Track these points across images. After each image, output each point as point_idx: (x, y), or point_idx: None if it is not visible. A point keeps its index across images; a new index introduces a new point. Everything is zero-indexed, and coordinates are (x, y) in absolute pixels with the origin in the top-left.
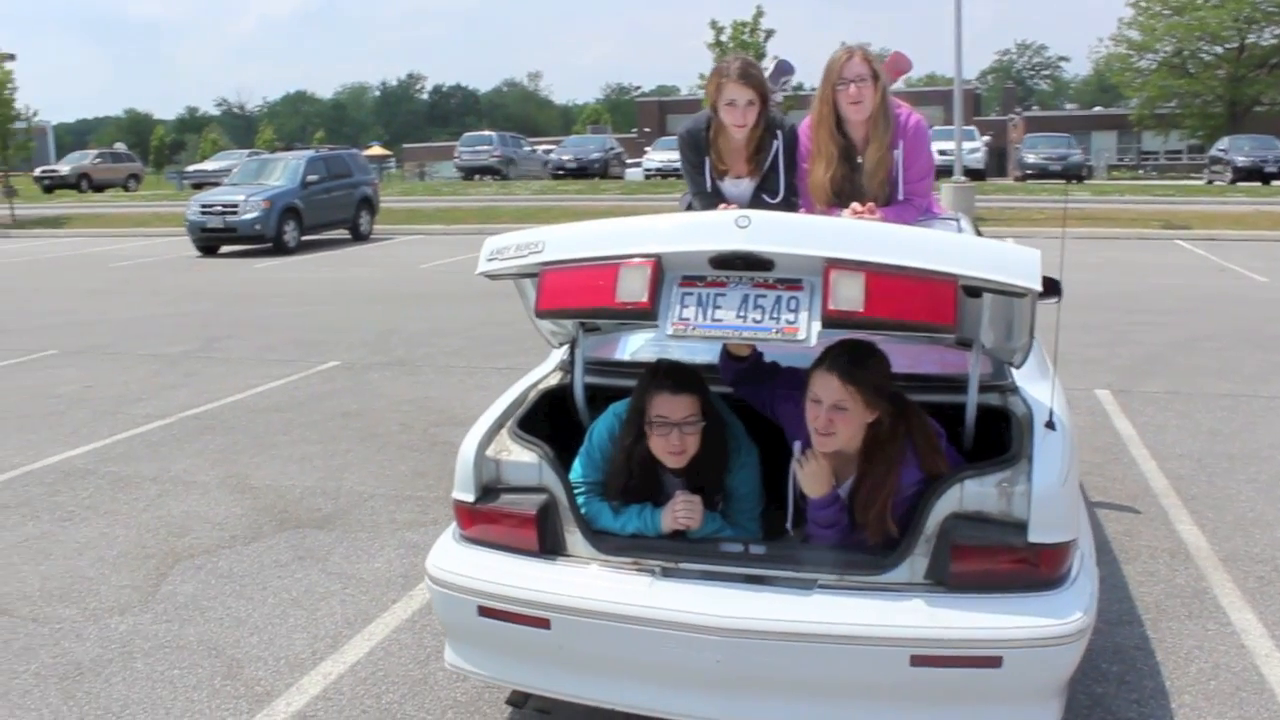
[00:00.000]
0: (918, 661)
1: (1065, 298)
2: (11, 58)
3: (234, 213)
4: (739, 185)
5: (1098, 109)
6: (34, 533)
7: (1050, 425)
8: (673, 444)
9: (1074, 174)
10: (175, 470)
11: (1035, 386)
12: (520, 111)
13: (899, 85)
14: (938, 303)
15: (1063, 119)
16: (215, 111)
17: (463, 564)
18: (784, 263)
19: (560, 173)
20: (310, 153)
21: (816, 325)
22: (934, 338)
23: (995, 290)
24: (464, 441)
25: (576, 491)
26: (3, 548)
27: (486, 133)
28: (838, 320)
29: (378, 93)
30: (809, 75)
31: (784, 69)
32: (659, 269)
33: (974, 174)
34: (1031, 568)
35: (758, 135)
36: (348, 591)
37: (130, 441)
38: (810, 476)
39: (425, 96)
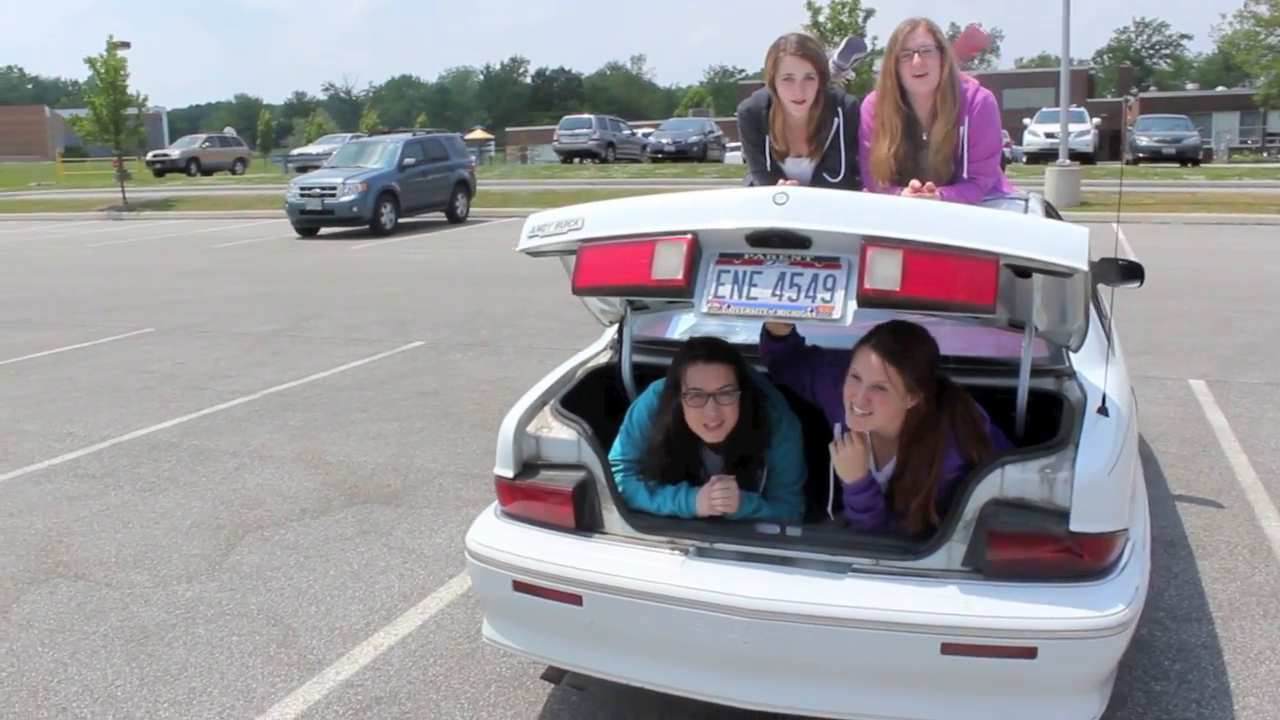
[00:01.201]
0: (949, 650)
1: (1169, 284)
2: (126, 45)
3: (332, 195)
4: (800, 164)
5: (1220, 89)
6: (115, 502)
7: (1103, 411)
8: (709, 415)
9: (1189, 157)
10: (254, 445)
11: (1098, 372)
12: (623, 95)
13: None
14: (978, 282)
15: (1181, 100)
16: (322, 96)
17: (500, 539)
18: (821, 240)
19: (659, 156)
20: (407, 136)
21: (852, 304)
22: (984, 319)
23: (1040, 270)
24: (506, 418)
25: (615, 469)
26: (86, 515)
27: (585, 116)
28: (874, 299)
29: (481, 77)
30: None
31: (855, 46)
32: (695, 246)
33: (1083, 157)
34: (1073, 557)
35: (817, 113)
36: (407, 566)
37: (215, 416)
38: (845, 460)
39: (528, 80)
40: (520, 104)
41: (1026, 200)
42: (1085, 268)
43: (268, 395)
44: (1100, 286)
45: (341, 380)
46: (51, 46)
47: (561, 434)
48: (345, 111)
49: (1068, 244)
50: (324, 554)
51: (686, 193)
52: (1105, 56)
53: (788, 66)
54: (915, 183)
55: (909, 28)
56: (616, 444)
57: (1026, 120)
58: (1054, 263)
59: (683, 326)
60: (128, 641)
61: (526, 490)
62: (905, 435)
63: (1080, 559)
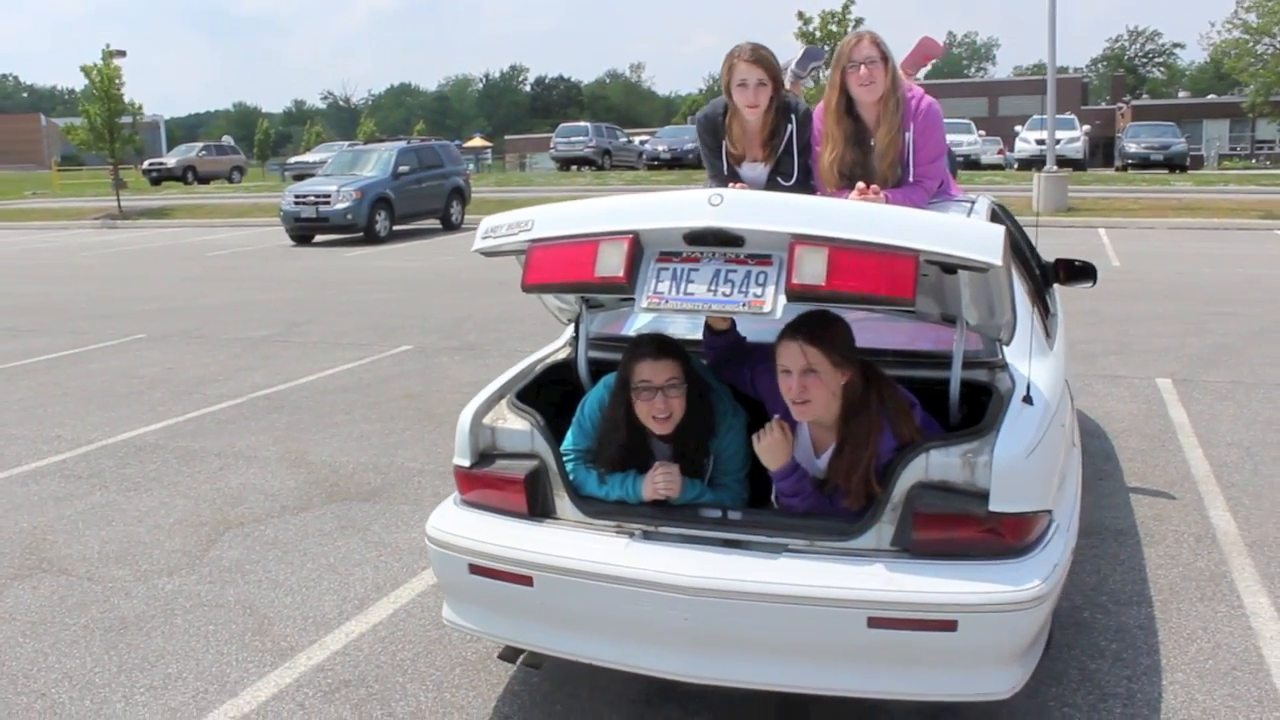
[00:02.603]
0: (875, 623)
1: (1146, 287)
2: (122, 54)
3: (326, 203)
4: (755, 169)
5: (1211, 97)
6: (100, 501)
7: (1028, 400)
8: (657, 408)
9: (1177, 163)
10: (239, 446)
11: (1036, 364)
12: (622, 103)
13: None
14: (898, 277)
15: (1173, 107)
16: (321, 105)
17: (457, 525)
18: (754, 239)
19: (655, 163)
20: (402, 144)
21: (782, 299)
22: (917, 314)
23: (958, 265)
24: (463, 410)
25: (566, 459)
26: (70, 514)
27: (582, 124)
28: (801, 293)
29: (481, 85)
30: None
31: (813, 55)
32: (636, 245)
33: (1073, 164)
34: (994, 536)
35: (771, 119)
36: (381, 559)
37: (201, 419)
38: (766, 449)
39: (528, 88)
40: (520, 112)
41: (972, 202)
42: (999, 263)
43: (255, 398)
44: (1056, 286)
45: (328, 384)
46: (48, 55)
47: (515, 425)
48: (345, 120)
49: (983, 241)
50: (302, 548)
51: (629, 195)
52: (1100, 65)
53: (741, 73)
54: (861, 185)
55: (855, 40)
56: (569, 435)
57: (1018, 127)
58: (970, 258)
59: (638, 324)
60: (107, 632)
61: (482, 479)
62: (842, 417)
63: (1000, 538)
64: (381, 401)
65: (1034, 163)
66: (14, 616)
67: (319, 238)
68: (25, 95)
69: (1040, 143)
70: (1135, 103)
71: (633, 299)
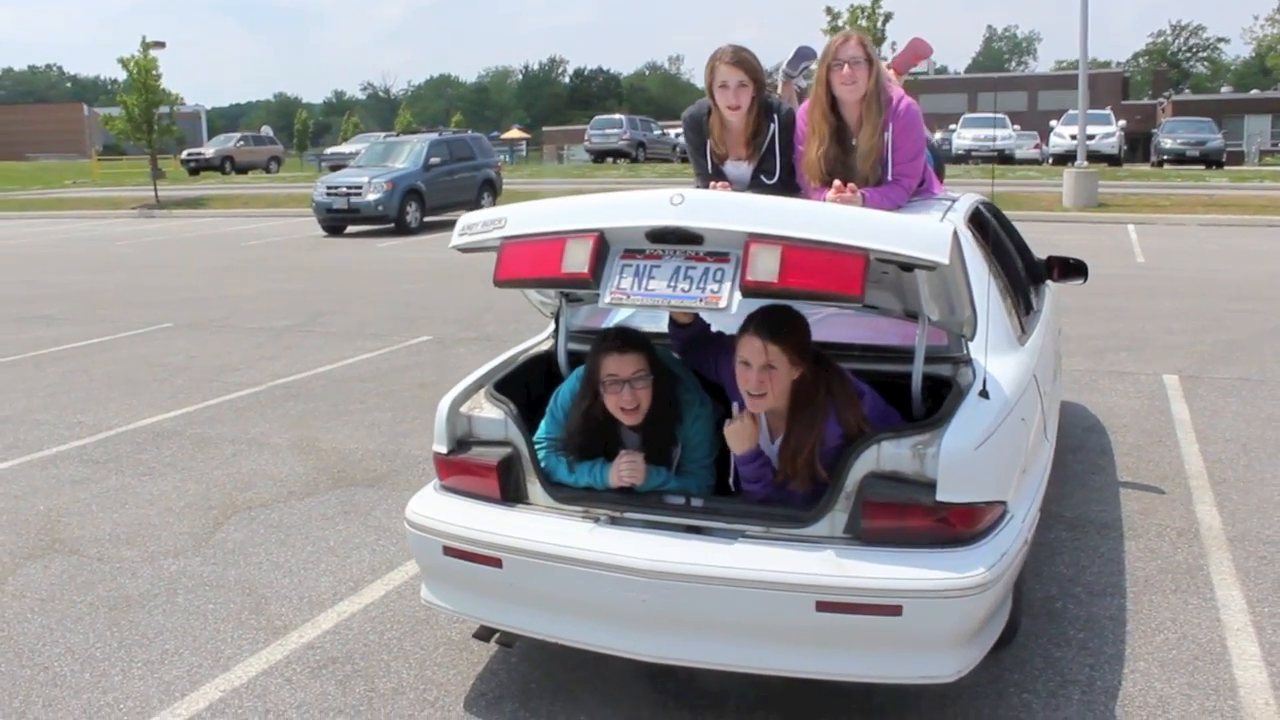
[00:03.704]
0: (823, 607)
1: (1168, 283)
2: (160, 45)
3: (358, 194)
4: (739, 167)
5: (1254, 92)
6: (115, 485)
7: (984, 394)
8: (625, 400)
9: (1213, 159)
10: (253, 433)
11: (1001, 359)
12: (661, 95)
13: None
14: (847, 274)
15: (1214, 103)
16: (361, 96)
17: (434, 509)
18: (712, 237)
19: (687, 156)
20: (433, 136)
21: (737, 295)
22: (879, 310)
23: (906, 263)
24: (442, 399)
25: (538, 447)
26: (85, 497)
27: (616, 116)
28: (754, 290)
29: (520, 76)
30: (948, 58)
31: (804, 54)
32: (601, 243)
33: (1108, 159)
34: (942, 525)
35: (753, 118)
36: (380, 542)
37: (219, 407)
38: (735, 434)
39: (567, 80)
40: (558, 104)
41: (953, 200)
42: (946, 261)
43: (272, 387)
44: (1049, 282)
45: (345, 373)
46: (92, 45)
47: (491, 413)
48: (384, 111)
49: (930, 240)
50: (304, 532)
51: (597, 194)
52: (1141, 59)
53: (722, 75)
54: (838, 183)
55: (841, 40)
56: (542, 424)
57: (1053, 122)
58: (917, 257)
59: (620, 317)
60: (111, 609)
61: (458, 465)
62: (791, 405)
63: (949, 527)
64: (395, 390)
65: (1069, 158)
66: (24, 594)
67: (350, 228)
68: (69, 85)
69: (1075, 138)
70: (1176, 98)
71: (589, 292)
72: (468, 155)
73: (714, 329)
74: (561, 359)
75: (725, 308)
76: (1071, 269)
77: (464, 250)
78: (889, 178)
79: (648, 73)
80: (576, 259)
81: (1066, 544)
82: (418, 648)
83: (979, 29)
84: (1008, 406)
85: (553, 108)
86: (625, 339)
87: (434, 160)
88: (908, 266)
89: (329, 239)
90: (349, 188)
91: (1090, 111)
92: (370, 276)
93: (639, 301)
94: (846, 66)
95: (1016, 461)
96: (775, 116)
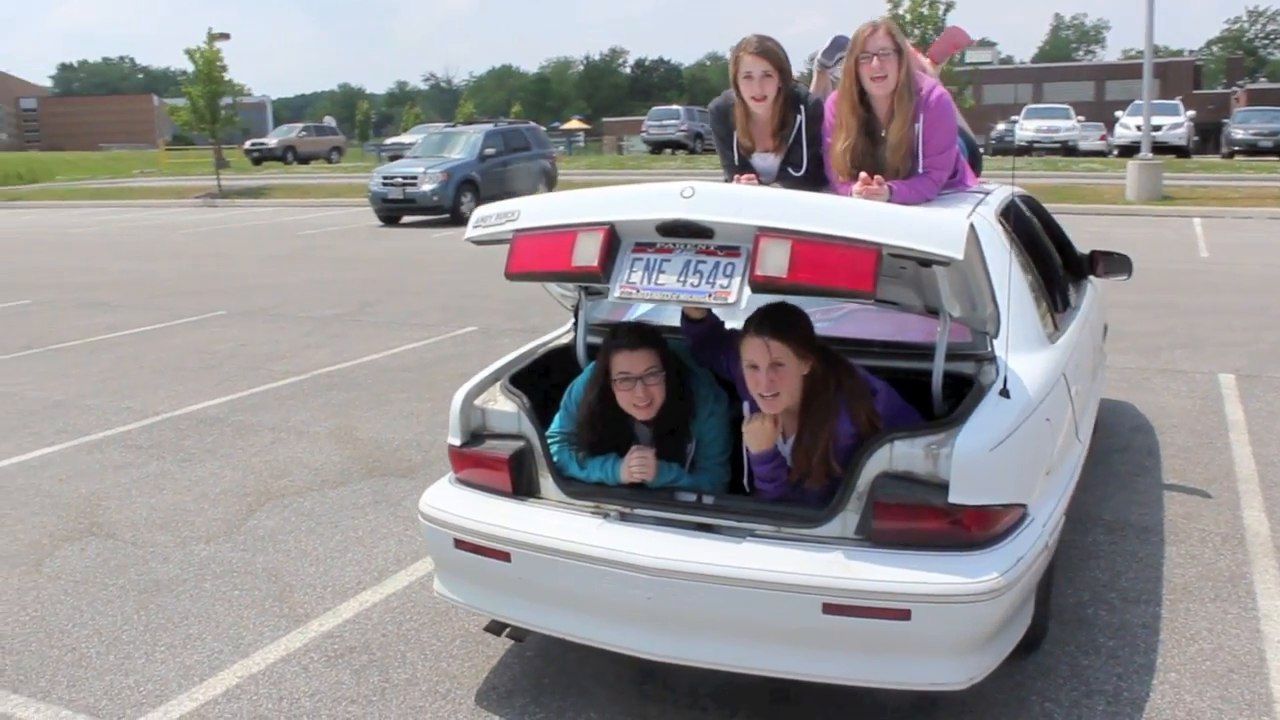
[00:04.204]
0: (830, 609)
1: (1232, 279)
2: (225, 37)
3: (413, 184)
4: (766, 159)
5: None
6: (155, 470)
7: (1005, 393)
8: (638, 397)
9: None
10: (294, 421)
11: (1027, 358)
12: (723, 85)
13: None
14: (858, 270)
15: None
16: (423, 86)
17: (447, 502)
18: (723, 231)
19: None
20: (489, 127)
21: (746, 290)
22: (900, 306)
23: (918, 259)
24: (457, 391)
25: (551, 441)
26: (126, 482)
27: (674, 107)
28: (763, 285)
29: (581, 67)
30: (1013, 48)
31: (840, 44)
32: (612, 236)
33: (1176, 150)
34: (956, 527)
35: (779, 109)
36: (407, 533)
37: (263, 395)
38: (753, 433)
39: (628, 71)
40: (619, 94)
41: (986, 194)
42: (960, 256)
43: (316, 376)
44: (1090, 278)
45: (390, 363)
46: (163, 37)
47: (504, 407)
48: (445, 101)
49: (943, 234)
50: (334, 521)
51: (610, 187)
52: (1215, 47)
53: (747, 65)
54: (864, 175)
55: (870, 30)
56: (556, 418)
57: (1118, 113)
58: (930, 252)
59: (640, 312)
60: (141, 593)
61: (472, 458)
62: (803, 403)
63: (964, 529)
64: (437, 381)
65: (1134, 149)
66: (60, 576)
67: (406, 219)
68: (140, 77)
69: (1141, 128)
70: (1251, 86)
71: (600, 286)
72: (523, 146)
73: (728, 326)
74: (580, 352)
75: (734, 303)
76: (1115, 264)
77: (478, 243)
78: (919, 170)
79: (709, 63)
80: (587, 252)
81: (1103, 548)
82: (435, 640)
83: (1045, 17)
84: (1030, 406)
85: (613, 98)
86: (637, 335)
87: (489, 151)
88: (925, 262)
89: (384, 229)
90: (404, 178)
91: (1158, 101)
92: (422, 266)
93: (648, 296)
94: (876, 59)
95: (1039, 463)
96: (802, 107)
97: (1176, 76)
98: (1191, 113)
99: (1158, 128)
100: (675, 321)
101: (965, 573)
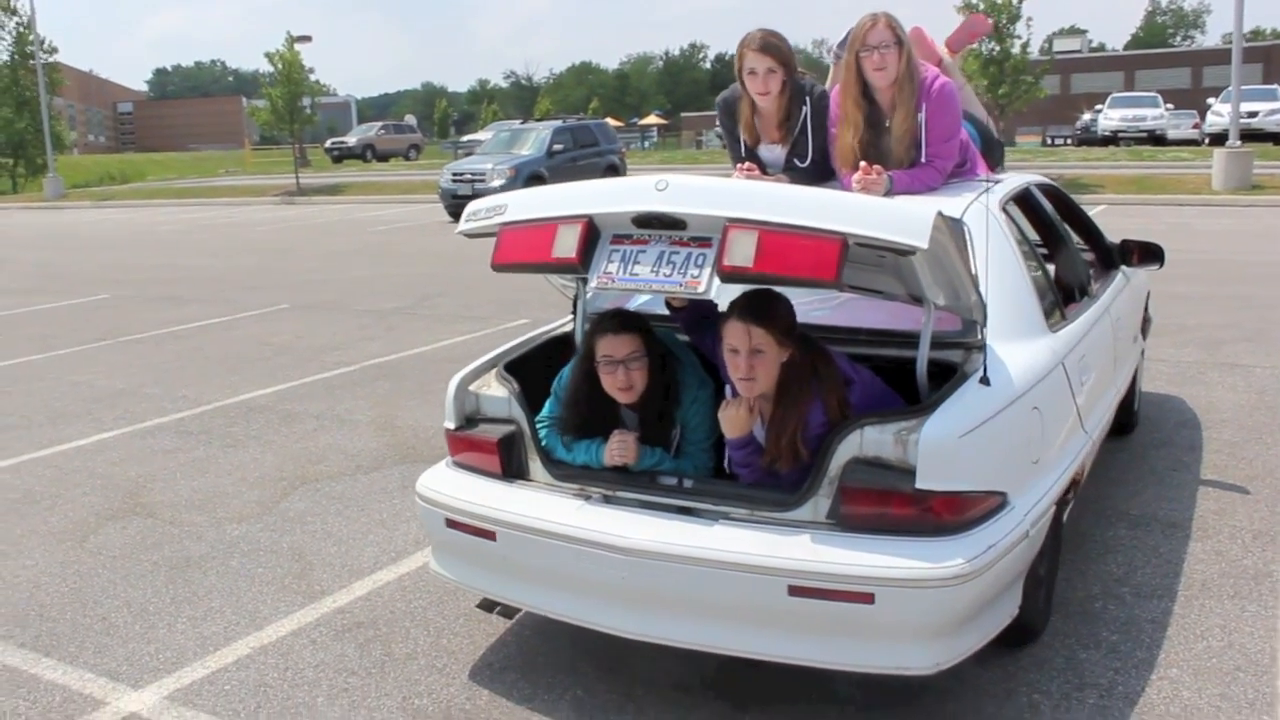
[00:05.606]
0: (795, 592)
1: None
2: (307, 39)
3: (481, 181)
4: (773, 151)
5: None
6: (201, 455)
7: (985, 381)
8: (620, 380)
9: None
10: (338, 409)
11: (1018, 346)
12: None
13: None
14: (822, 259)
15: None
16: (504, 84)
17: (441, 483)
18: (695, 223)
19: None
20: (556, 123)
21: (716, 280)
22: (884, 294)
23: (883, 248)
24: (453, 377)
25: (540, 426)
26: (173, 466)
27: None
28: (731, 275)
29: (661, 63)
30: (1104, 35)
31: None
32: (591, 228)
33: (1275, 138)
34: (924, 513)
35: (784, 103)
36: None
37: (313, 385)
38: (729, 419)
39: (708, 66)
40: (699, 90)
41: (995, 182)
42: (924, 246)
43: (366, 366)
44: (1123, 269)
45: (440, 354)
46: (252, 40)
47: (496, 392)
48: (525, 99)
49: (907, 224)
50: (362, 504)
51: (591, 181)
52: None
53: (750, 62)
54: (864, 164)
55: (870, 23)
56: (547, 403)
57: (1210, 100)
58: (893, 241)
59: (639, 302)
60: (172, 569)
61: (464, 441)
62: (779, 388)
63: (933, 515)
64: None
65: (1226, 137)
66: (101, 551)
67: None
68: (230, 79)
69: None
70: None
71: (578, 276)
72: (591, 142)
73: (721, 309)
74: (579, 340)
75: (704, 292)
76: (1149, 254)
77: (469, 236)
78: (923, 159)
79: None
80: (566, 244)
81: (1124, 542)
82: (439, 617)
83: (1140, 3)
84: (1014, 395)
85: (693, 94)
86: (621, 320)
87: (557, 147)
88: (903, 251)
89: (453, 224)
90: (473, 174)
91: (1258, 87)
92: (483, 261)
93: (624, 286)
94: (876, 52)
95: (1022, 452)
96: (808, 100)
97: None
98: None
99: (1254, 114)
100: (666, 310)
101: (929, 558)
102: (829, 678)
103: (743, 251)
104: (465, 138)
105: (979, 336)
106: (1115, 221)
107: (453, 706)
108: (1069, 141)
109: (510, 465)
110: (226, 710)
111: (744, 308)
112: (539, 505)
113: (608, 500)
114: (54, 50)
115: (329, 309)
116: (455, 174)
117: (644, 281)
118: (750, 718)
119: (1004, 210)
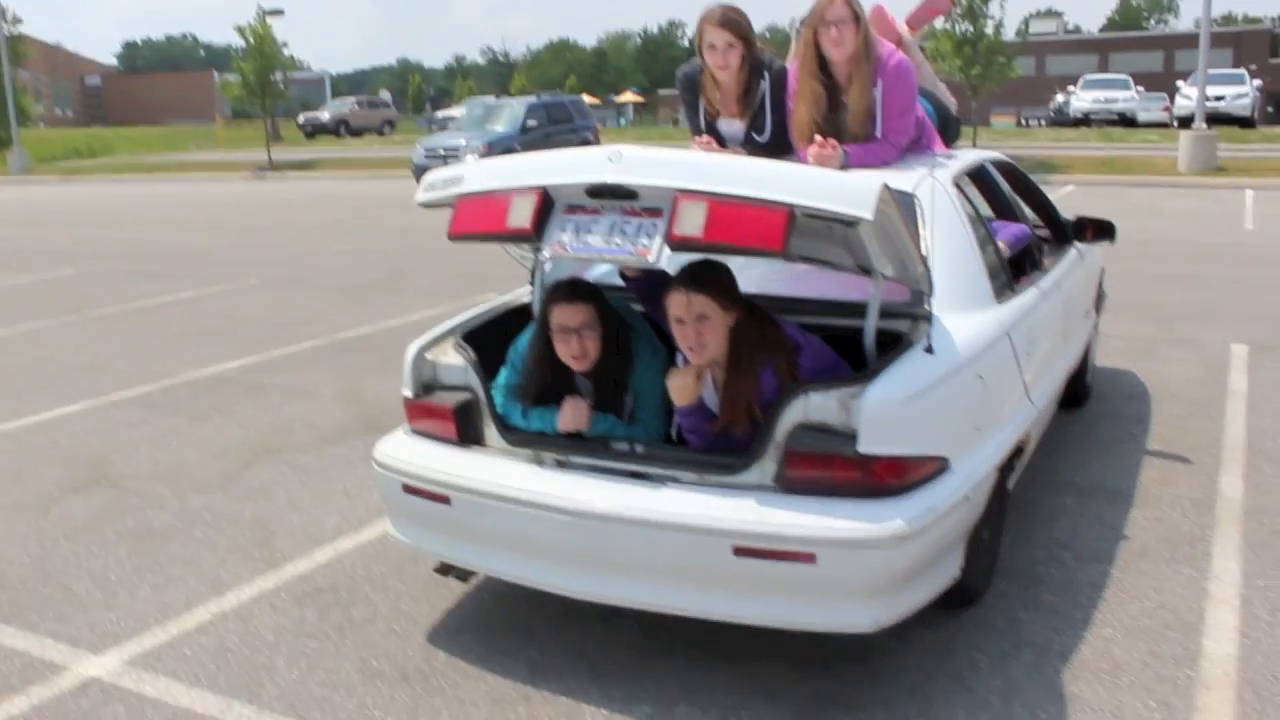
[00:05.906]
0: (739, 552)
1: (1272, 251)
2: (279, 14)
3: (455, 156)
4: (732, 125)
5: None
6: (166, 427)
7: (929, 349)
8: (573, 349)
9: None
10: (305, 382)
11: (963, 317)
12: (782, 57)
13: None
14: (769, 229)
15: None
16: (481, 60)
17: (398, 449)
18: (646, 193)
19: None
20: (530, 99)
21: (666, 249)
22: (832, 265)
23: (829, 219)
24: (409, 345)
25: (496, 392)
26: (137, 438)
27: None
28: (681, 244)
29: (639, 40)
30: (1079, 17)
31: None
32: (545, 198)
33: (1240, 121)
34: (866, 476)
35: (743, 77)
36: None
37: (281, 358)
38: (676, 387)
39: (686, 44)
40: (677, 67)
41: (950, 157)
42: (870, 216)
43: (335, 340)
44: (1077, 245)
45: (410, 328)
46: (224, 13)
47: (453, 360)
48: (502, 75)
49: (853, 195)
50: (326, 474)
51: (544, 152)
52: None
53: (710, 36)
54: (819, 139)
55: (828, 0)
56: (502, 371)
57: (1179, 83)
58: (839, 212)
59: (597, 272)
60: (134, 539)
61: (421, 408)
62: (730, 353)
63: (875, 478)
64: None
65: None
66: (63, 522)
67: None
68: (202, 53)
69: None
70: None
71: (532, 245)
72: (566, 118)
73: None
74: (537, 310)
75: (654, 261)
76: (1102, 230)
77: (426, 206)
78: (878, 135)
79: (769, 35)
80: (521, 214)
81: (1070, 509)
82: (399, 582)
83: None
84: (958, 363)
85: (671, 72)
86: (574, 289)
87: (531, 123)
88: (849, 222)
89: None
90: (446, 150)
91: (1223, 71)
92: None
93: (576, 254)
94: (834, 27)
95: (964, 418)
96: (767, 74)
97: (1251, 45)
98: (1258, 82)
99: (1220, 98)
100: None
101: (870, 519)
102: (779, 636)
103: (692, 221)
104: (440, 113)
105: (925, 307)
106: (1083, 202)
107: (410, 668)
108: (1043, 123)
109: (466, 431)
110: (187, 673)
111: (684, 278)
112: (493, 470)
113: (561, 465)
114: (18, 21)
115: (300, 284)
116: (428, 149)
117: (596, 251)
118: (700, 675)
119: (956, 185)
